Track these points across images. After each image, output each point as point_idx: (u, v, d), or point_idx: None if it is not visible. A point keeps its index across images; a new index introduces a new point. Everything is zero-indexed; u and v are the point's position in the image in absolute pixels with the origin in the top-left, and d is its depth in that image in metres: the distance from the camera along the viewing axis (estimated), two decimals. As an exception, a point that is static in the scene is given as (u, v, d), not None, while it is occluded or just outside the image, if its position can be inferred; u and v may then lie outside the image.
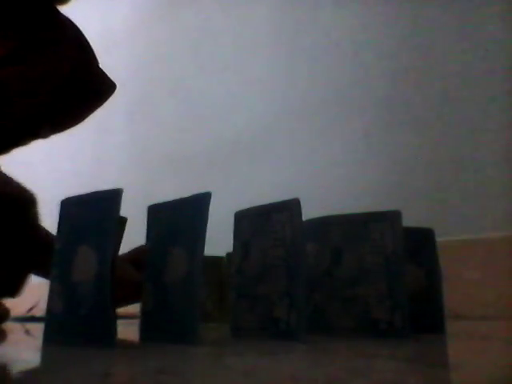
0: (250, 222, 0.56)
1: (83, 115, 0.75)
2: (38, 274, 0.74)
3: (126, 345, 0.51)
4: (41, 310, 1.06)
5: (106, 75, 0.73)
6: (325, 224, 0.59)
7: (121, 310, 0.58)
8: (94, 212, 0.50)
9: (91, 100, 0.73)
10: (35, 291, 0.90)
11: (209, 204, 0.49)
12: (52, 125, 0.72)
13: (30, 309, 1.32)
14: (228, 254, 0.83)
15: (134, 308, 0.77)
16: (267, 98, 1.38)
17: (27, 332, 0.78)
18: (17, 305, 1.19)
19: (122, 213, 0.50)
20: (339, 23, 1.24)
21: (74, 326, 0.48)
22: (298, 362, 0.36)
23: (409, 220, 0.57)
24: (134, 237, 0.74)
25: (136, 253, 0.73)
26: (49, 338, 0.50)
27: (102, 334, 0.45)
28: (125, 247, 0.66)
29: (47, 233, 0.72)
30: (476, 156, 0.96)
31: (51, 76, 0.65)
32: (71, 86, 0.68)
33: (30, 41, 0.63)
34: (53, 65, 0.65)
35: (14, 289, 0.73)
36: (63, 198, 0.55)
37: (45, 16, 0.64)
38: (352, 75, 1.20)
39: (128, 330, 0.72)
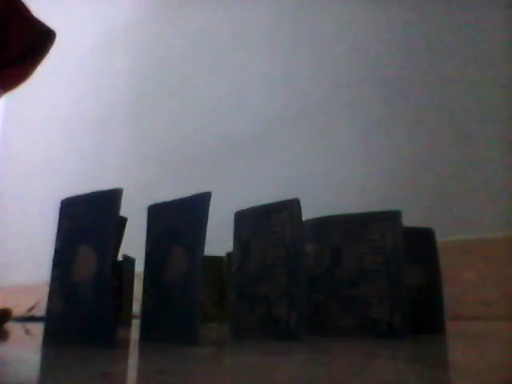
0: (250, 222, 0.56)
1: (29, 69, 0.72)
2: None
3: (126, 345, 0.51)
4: (41, 310, 1.06)
5: (43, 23, 0.70)
6: (325, 224, 0.59)
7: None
8: (94, 212, 0.50)
9: (33, 50, 0.71)
10: (35, 291, 0.90)
11: (209, 204, 0.49)
12: (1, 83, 0.70)
13: (30, 309, 1.32)
14: (228, 254, 0.83)
15: (134, 308, 0.78)
16: (267, 97, 1.38)
17: (27, 332, 0.78)
18: (17, 305, 1.19)
19: (122, 213, 0.50)
20: (339, 22, 1.25)
21: (73, 326, 0.48)
22: (298, 361, 0.36)
23: (409, 220, 0.57)
24: (134, 237, 0.74)
25: None
26: (49, 338, 0.50)
27: (102, 334, 0.45)
28: (125, 247, 0.65)
29: None
30: (476, 156, 0.96)
31: None
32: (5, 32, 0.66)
33: None
34: None
35: None
36: (63, 198, 0.55)
37: None
38: (352, 75, 1.20)
39: (128, 330, 0.72)
